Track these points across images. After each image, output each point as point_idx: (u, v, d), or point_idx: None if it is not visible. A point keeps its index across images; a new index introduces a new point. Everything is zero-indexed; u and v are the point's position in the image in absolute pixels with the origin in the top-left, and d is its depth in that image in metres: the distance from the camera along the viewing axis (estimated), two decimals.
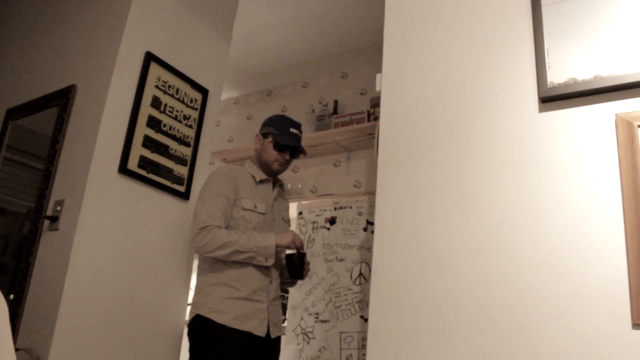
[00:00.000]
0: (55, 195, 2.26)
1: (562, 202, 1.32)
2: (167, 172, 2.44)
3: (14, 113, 2.72)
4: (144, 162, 2.35)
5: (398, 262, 1.51)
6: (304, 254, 2.30)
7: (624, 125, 1.28)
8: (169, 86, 2.50)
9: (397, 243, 1.53)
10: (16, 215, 2.56)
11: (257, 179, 2.38)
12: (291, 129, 2.39)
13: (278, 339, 2.33)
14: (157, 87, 2.44)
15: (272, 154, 2.37)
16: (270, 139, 2.38)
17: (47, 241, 2.20)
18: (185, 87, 2.58)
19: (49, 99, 2.53)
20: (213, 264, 2.24)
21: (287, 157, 2.39)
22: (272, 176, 2.44)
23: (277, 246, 2.22)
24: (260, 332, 2.18)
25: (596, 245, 1.25)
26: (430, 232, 1.49)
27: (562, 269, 1.28)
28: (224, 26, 2.90)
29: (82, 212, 2.11)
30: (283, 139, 2.35)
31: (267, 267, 2.26)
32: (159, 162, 2.42)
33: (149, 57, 2.41)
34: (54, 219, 2.19)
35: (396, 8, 1.81)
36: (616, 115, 1.30)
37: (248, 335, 2.15)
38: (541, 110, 1.42)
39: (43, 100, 2.56)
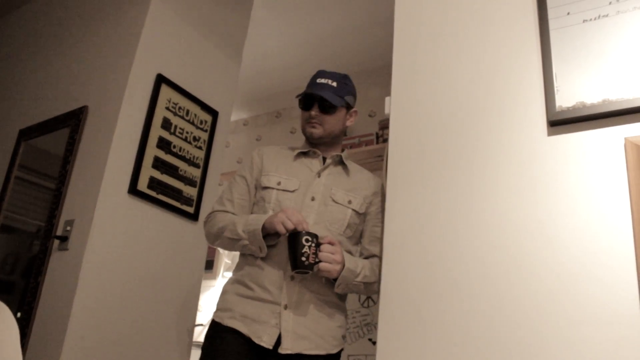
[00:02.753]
0: (65, 215, 2.28)
1: (572, 226, 1.31)
2: (176, 193, 2.46)
3: (27, 133, 2.76)
4: (153, 183, 2.37)
5: (406, 285, 1.50)
6: (313, 235, 1.64)
7: (633, 149, 1.27)
8: (180, 108, 2.53)
9: (405, 265, 1.52)
10: (26, 234, 2.58)
11: (296, 152, 1.92)
12: (318, 80, 1.92)
13: (315, 358, 1.68)
14: (167, 108, 2.47)
15: (302, 117, 1.91)
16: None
17: (57, 261, 2.21)
18: (195, 109, 2.61)
19: (61, 120, 2.56)
20: (238, 261, 1.85)
21: (313, 112, 1.87)
22: (319, 147, 1.93)
23: (264, 229, 1.67)
24: (263, 340, 1.64)
25: (607, 269, 1.24)
26: (439, 255, 1.48)
27: (573, 293, 1.26)
28: (235, 49, 2.94)
29: (91, 232, 2.13)
30: (302, 93, 1.90)
31: (287, 260, 1.69)
32: (169, 183, 2.43)
33: (160, 79, 2.44)
34: (64, 239, 2.20)
35: (405, 31, 1.83)
36: (625, 139, 1.30)
37: (253, 343, 1.65)
38: (550, 133, 1.42)
39: (55, 121, 2.60)
